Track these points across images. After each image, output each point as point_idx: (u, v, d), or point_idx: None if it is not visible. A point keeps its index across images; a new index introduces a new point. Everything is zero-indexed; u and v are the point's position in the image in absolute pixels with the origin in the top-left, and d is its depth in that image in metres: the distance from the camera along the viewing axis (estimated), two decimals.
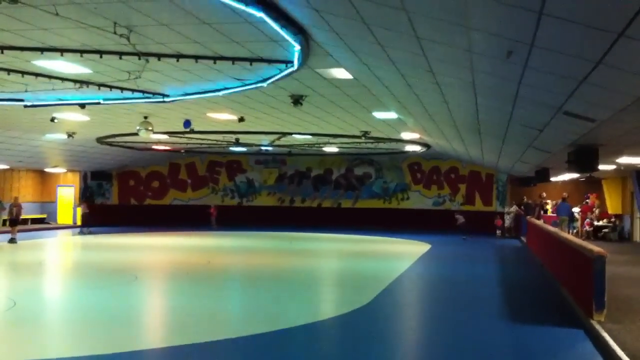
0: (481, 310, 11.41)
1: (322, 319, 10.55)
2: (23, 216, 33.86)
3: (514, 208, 31.15)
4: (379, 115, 17.67)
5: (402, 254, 21.20)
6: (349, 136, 23.34)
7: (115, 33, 9.31)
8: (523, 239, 27.43)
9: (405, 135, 23.19)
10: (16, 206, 24.80)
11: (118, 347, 8.16)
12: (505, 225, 31.32)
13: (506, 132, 13.77)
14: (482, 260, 20.14)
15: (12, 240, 23.72)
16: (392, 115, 17.46)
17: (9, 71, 12.51)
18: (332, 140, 25.17)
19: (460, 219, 28.77)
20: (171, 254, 20.95)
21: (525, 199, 31.03)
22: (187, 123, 19.03)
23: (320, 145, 28.31)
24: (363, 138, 22.96)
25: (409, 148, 28.26)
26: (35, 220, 34.72)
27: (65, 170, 34.93)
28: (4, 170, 32.09)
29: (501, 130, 13.64)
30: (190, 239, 26.97)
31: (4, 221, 24.56)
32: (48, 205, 36.20)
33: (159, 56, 10.91)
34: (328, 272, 17.66)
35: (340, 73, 12.07)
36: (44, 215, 35.81)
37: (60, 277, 16.33)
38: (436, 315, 11.31)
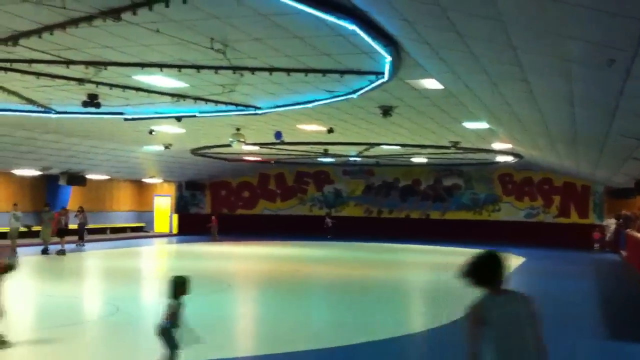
0: (577, 328, 10.99)
1: (411, 332, 10.45)
2: (122, 224, 35.52)
3: (612, 220, 29.83)
4: (469, 125, 17.40)
5: None
6: (437, 147, 23.08)
7: (211, 48, 9.62)
8: (622, 252, 26.22)
9: (496, 146, 22.70)
10: (63, 215, 23.97)
11: (211, 354, 8.36)
12: (606, 238, 30.01)
13: (604, 143, 13.25)
14: (579, 275, 19.39)
15: (60, 252, 22.35)
16: (482, 125, 17.15)
17: (111, 86, 13.13)
18: (420, 150, 24.96)
19: (329, 223, 33.89)
20: (262, 263, 21.31)
21: (624, 211, 29.65)
22: (278, 134, 19.35)
23: (408, 156, 28.12)
24: (452, 149, 22.65)
25: (500, 158, 27.64)
26: (133, 229, 36.20)
27: (162, 181, 36.24)
28: (104, 181, 33.62)
29: (599, 141, 13.14)
30: (280, 248, 27.35)
31: (58, 231, 23.15)
32: (145, 215, 37.64)
33: (252, 70, 11.19)
34: (417, 284, 17.49)
35: (430, 83, 11.99)
36: (142, 224, 37.25)
37: (157, 284, 16.92)
38: None
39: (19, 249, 21.07)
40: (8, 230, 22.39)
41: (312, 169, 36.24)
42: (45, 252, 22.32)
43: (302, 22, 8.48)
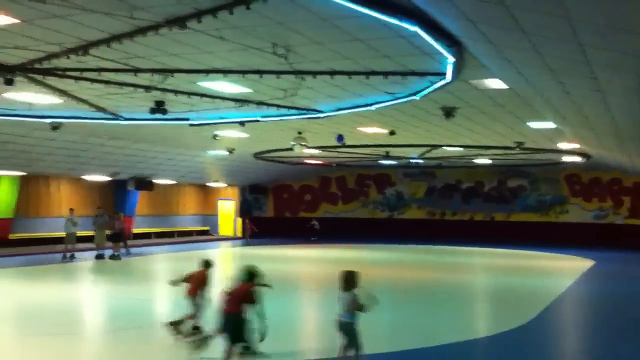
0: None
1: (476, 337, 10.29)
2: (188, 228, 36.24)
3: None
4: (535, 125, 17.03)
5: (563, 271, 20.22)
6: (501, 147, 22.68)
7: (274, 53, 9.73)
8: None
9: (563, 146, 22.14)
10: (118, 220, 23.73)
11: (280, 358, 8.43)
12: None
13: None
14: None
15: (113, 257, 22.53)
16: (548, 125, 16.76)
17: (177, 92, 13.43)
18: (483, 152, 24.58)
19: (316, 224, 33.82)
20: (325, 266, 21.38)
21: None
22: (339, 137, 19.39)
23: (471, 157, 27.73)
24: (517, 149, 22.21)
25: (567, 159, 26.93)
26: (198, 232, 36.94)
27: (226, 185, 36.82)
28: (171, 185, 34.40)
29: None
30: (342, 251, 27.38)
31: (110, 236, 23.16)
32: (210, 218, 38.34)
33: (314, 74, 11.26)
34: (482, 288, 17.21)
35: (494, 83, 11.80)
36: (207, 228, 37.96)
37: (222, 287, 17.18)
38: (603, 342, 10.43)
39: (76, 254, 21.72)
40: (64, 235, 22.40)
41: (373, 172, 36.14)
42: (100, 257, 22.37)
43: (364, 25, 8.48)
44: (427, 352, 8.82)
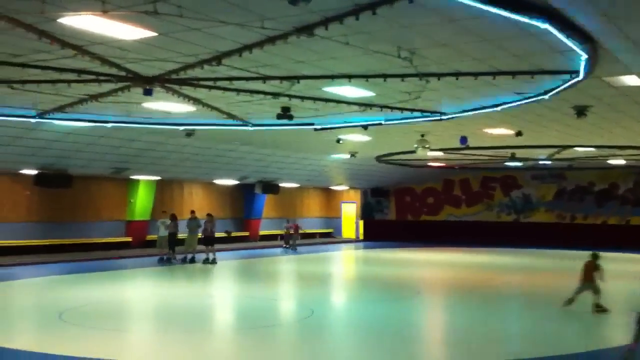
0: None
1: (608, 346, 9.79)
2: (312, 230, 36.95)
3: None
4: None
5: None
6: (638, 147, 21.42)
7: (398, 57, 9.77)
8: None
9: None
10: (210, 223, 22.72)
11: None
12: None
13: None
14: None
15: (206, 261, 21.88)
16: None
17: (303, 98, 13.77)
18: (618, 152, 23.30)
19: (290, 229, 30.43)
20: (448, 270, 21.11)
21: None
22: (463, 139, 19.07)
23: (604, 158, 26.35)
24: None
25: None
26: (322, 235, 37.58)
27: (348, 188, 37.21)
28: (295, 189, 35.24)
29: None
30: (466, 255, 26.89)
31: (202, 239, 22.51)
32: (333, 221, 38.91)
33: (438, 76, 11.18)
34: (617, 295, 16.32)
35: (631, 80, 11.21)
36: (330, 230, 38.55)
37: (347, 289, 17.41)
38: None
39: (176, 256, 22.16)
40: (156, 238, 22.64)
41: (499, 174, 35.19)
42: (191, 260, 22.07)
43: (492, 25, 8.34)
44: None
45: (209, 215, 23.35)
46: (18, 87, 12.51)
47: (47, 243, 23.83)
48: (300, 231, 31.41)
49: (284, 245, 30.06)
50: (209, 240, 22.27)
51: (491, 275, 19.31)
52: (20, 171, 22.02)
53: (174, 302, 13.75)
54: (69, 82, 11.97)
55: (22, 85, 12.41)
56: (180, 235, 22.86)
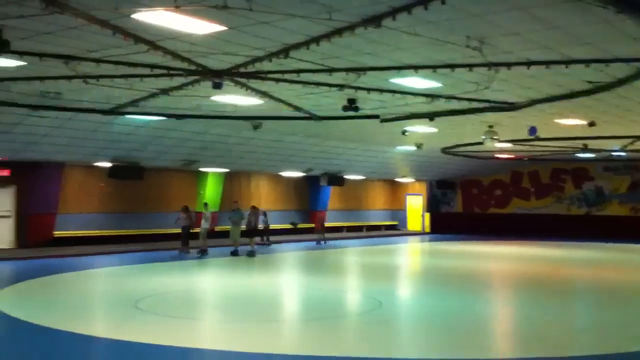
0: None
1: None
2: (377, 222, 36.93)
3: None
4: None
5: None
6: None
7: (467, 46, 9.65)
8: None
9: None
10: (254, 215, 22.45)
11: (472, 354, 8.37)
12: None
13: None
14: None
15: (250, 253, 21.40)
16: None
17: (369, 90, 13.75)
18: None
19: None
20: (518, 264, 20.74)
21: None
22: (532, 130, 18.66)
23: None
24: None
25: None
26: (387, 227, 37.54)
27: (413, 180, 36.98)
28: (360, 181, 35.26)
29: None
30: (537, 248, 26.34)
31: (245, 232, 22.19)
32: (398, 213, 38.78)
33: (508, 65, 10.98)
34: None
35: None
36: (395, 222, 38.46)
37: (414, 281, 17.34)
38: None
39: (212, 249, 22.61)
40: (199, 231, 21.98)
41: (569, 166, 34.23)
42: (234, 253, 21.50)
43: (564, 12, 8.15)
44: (626, 357, 8.27)
45: (253, 207, 23.14)
46: (93, 82, 12.96)
47: (120, 233, 24.62)
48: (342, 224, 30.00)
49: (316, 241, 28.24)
50: (252, 233, 22.12)
51: (563, 268, 18.86)
52: (95, 163, 22.83)
53: (243, 292, 14.01)
54: (141, 76, 12.33)
55: (97, 80, 12.85)
56: (219, 228, 22.50)
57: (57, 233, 23.24)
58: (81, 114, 17.10)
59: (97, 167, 23.32)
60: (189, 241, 21.99)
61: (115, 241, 24.22)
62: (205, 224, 22.12)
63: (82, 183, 24.35)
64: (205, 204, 23.31)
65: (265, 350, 8.28)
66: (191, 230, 22.18)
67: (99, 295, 13.81)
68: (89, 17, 8.61)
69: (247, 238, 22.00)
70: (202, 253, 21.71)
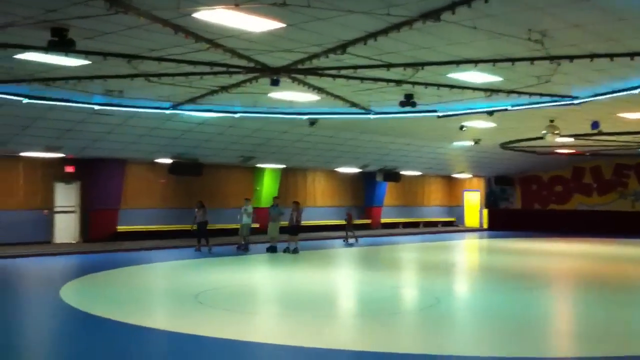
0: None
1: None
2: (434, 219, 36.62)
3: None
4: None
5: None
6: None
7: (528, 39, 9.48)
8: None
9: None
10: (296, 211, 21.19)
11: (526, 352, 8.23)
12: None
13: None
14: None
15: (287, 250, 20.87)
16: None
17: (427, 85, 13.65)
18: None
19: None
20: (580, 261, 20.23)
21: None
22: (595, 124, 18.20)
23: None
24: None
25: None
26: (444, 223, 37.20)
27: (471, 176, 36.51)
28: (416, 177, 35.03)
29: None
30: (600, 246, 25.65)
31: (286, 228, 21.56)
32: (456, 209, 38.39)
33: (571, 58, 10.74)
34: None
35: None
36: (453, 219, 38.08)
37: (472, 278, 17.12)
38: None
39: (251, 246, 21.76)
40: (239, 227, 21.72)
41: (634, 161, 33.19)
42: (272, 249, 20.93)
43: (629, 2, 7.92)
44: None
45: (295, 203, 21.87)
46: (155, 80, 13.26)
47: (179, 228, 25.09)
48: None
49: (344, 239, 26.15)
50: (294, 230, 21.16)
51: (627, 267, 18.31)
52: (156, 160, 23.35)
53: (298, 287, 14.09)
54: (201, 74, 12.56)
55: (159, 79, 13.15)
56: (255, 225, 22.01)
57: (120, 228, 23.87)
58: (143, 112, 17.51)
59: (158, 163, 23.86)
60: (209, 239, 21.16)
61: (174, 236, 24.73)
62: (247, 220, 21.59)
63: (144, 179, 24.93)
64: (247, 199, 22.70)
65: (322, 345, 8.32)
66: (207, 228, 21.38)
67: (160, 289, 14.11)
68: (151, 17, 8.82)
69: (288, 235, 21.38)
70: (240, 249, 21.37)
